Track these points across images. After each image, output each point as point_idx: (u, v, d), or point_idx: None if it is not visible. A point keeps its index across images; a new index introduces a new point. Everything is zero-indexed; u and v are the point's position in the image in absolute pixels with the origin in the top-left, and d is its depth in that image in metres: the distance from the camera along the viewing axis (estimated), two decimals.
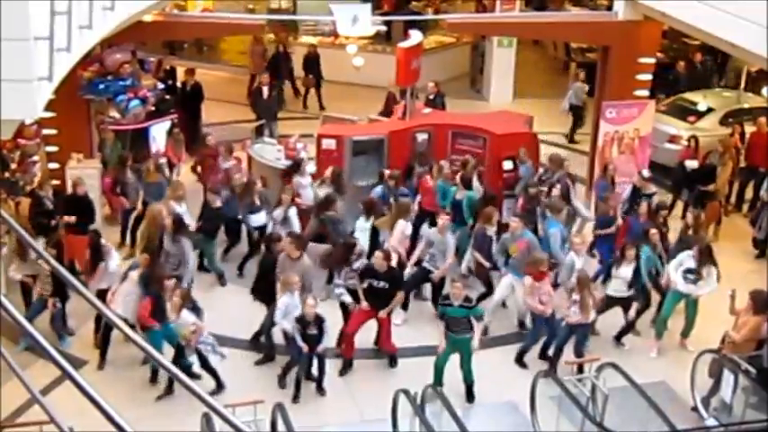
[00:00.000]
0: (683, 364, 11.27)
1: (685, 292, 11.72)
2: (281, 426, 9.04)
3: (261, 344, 11.73)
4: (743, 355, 10.23)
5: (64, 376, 3.52)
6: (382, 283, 11.26)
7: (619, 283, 11.77)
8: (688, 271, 11.62)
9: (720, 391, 10.32)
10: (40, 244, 11.38)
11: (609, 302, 11.87)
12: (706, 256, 11.61)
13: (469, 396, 10.97)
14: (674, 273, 11.69)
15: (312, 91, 20.56)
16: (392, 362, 11.68)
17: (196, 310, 11.00)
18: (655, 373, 11.48)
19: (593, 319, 11.37)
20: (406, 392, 9.75)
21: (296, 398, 10.81)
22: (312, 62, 20.31)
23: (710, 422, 10.44)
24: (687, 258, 11.71)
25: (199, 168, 15.61)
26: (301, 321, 10.72)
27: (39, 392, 4.19)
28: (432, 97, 17.41)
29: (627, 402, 10.09)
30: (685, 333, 12.08)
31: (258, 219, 13.52)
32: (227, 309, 12.41)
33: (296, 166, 14.26)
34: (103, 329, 11.33)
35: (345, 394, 11.15)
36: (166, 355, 10.63)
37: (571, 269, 11.81)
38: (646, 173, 14.27)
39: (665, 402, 10.01)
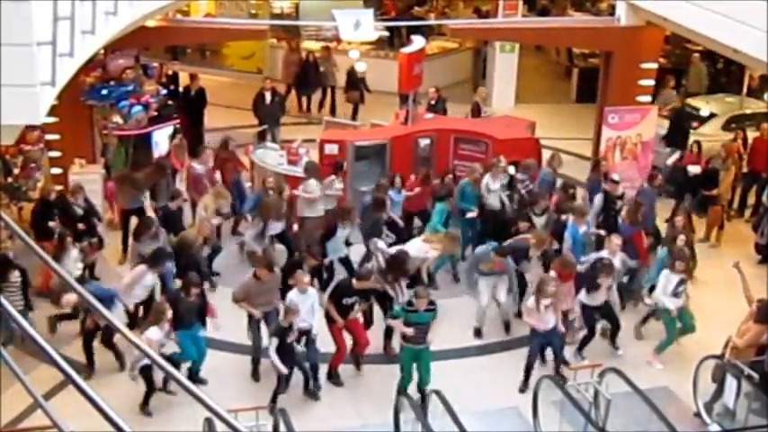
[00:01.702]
0: (685, 369, 11.25)
1: (676, 307, 11.65)
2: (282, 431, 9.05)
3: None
4: (745, 361, 10.22)
5: (67, 381, 3.52)
6: (353, 299, 11.13)
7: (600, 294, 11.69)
8: (676, 286, 11.52)
9: (723, 396, 10.30)
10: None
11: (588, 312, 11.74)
12: (689, 267, 11.67)
13: (423, 402, 10.51)
14: (663, 297, 11.51)
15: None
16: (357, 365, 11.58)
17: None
18: (657, 378, 11.46)
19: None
20: (408, 397, 9.74)
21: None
22: (355, 77, 19.87)
23: (713, 428, 10.43)
24: (671, 277, 11.55)
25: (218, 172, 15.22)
26: (280, 332, 10.44)
27: (41, 397, 4.19)
28: (433, 102, 17.45)
29: (629, 408, 10.08)
30: (687, 331, 12.05)
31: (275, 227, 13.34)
32: (230, 312, 12.39)
33: (339, 167, 14.19)
34: (85, 336, 11.18)
35: (347, 399, 11.13)
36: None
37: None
38: (615, 176, 14.10)
39: (668, 408, 9.99)
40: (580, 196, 14.72)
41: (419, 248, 12.52)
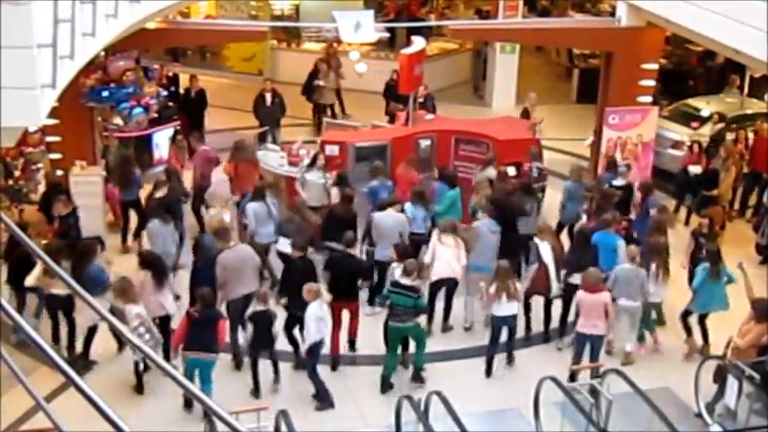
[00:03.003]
0: (686, 370, 11.25)
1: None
2: None
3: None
4: (747, 362, 10.21)
5: (68, 383, 3.52)
6: None
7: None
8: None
9: (724, 397, 10.30)
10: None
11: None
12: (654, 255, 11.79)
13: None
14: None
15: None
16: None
17: None
18: (658, 379, 11.45)
19: None
20: (409, 398, 9.74)
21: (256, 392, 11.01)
22: (395, 89, 18.40)
23: (715, 428, 10.43)
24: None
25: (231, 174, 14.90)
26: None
27: (43, 399, 4.18)
28: (422, 100, 17.38)
29: (631, 408, 10.07)
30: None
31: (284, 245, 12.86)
32: None
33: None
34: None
35: (348, 401, 11.13)
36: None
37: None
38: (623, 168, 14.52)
39: (669, 408, 9.98)
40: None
41: (448, 260, 12.10)
